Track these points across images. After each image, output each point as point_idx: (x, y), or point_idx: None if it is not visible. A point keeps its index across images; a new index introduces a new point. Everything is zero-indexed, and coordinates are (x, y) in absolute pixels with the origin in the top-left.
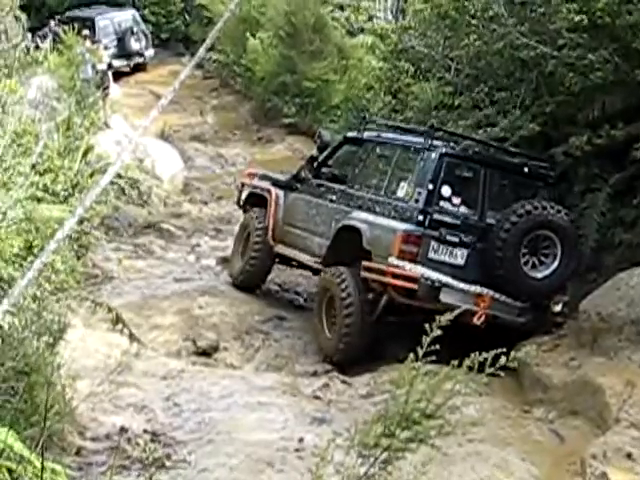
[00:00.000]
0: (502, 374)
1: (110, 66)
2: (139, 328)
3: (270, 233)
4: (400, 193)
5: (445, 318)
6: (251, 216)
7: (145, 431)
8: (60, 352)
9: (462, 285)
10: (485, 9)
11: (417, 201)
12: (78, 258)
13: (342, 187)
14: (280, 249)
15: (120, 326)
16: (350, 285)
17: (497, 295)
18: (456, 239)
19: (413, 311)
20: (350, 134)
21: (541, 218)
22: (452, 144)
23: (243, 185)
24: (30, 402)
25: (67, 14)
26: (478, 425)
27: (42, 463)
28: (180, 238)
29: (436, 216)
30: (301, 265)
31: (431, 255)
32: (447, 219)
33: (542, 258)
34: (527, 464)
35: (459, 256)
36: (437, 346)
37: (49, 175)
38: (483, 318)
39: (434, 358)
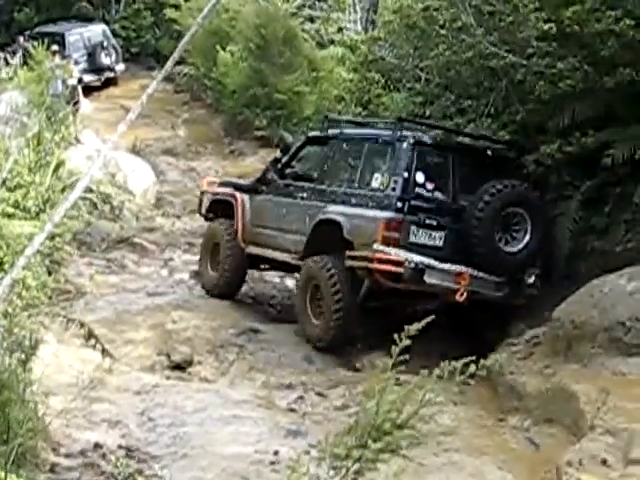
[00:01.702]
0: (475, 382)
1: (80, 81)
2: (112, 343)
3: (240, 236)
4: (375, 184)
5: (413, 328)
6: (218, 226)
7: (120, 446)
8: (33, 368)
9: (444, 265)
10: (454, 19)
11: (394, 189)
12: (50, 274)
13: (311, 185)
14: (252, 250)
15: (93, 341)
16: (336, 272)
17: (475, 272)
18: (434, 222)
19: (397, 295)
20: (312, 133)
21: (512, 196)
22: (419, 134)
23: (203, 193)
24: (2, 419)
25: (37, 30)
26: (453, 434)
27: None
28: (153, 252)
29: (413, 202)
30: (272, 265)
31: (412, 239)
32: (423, 204)
33: (514, 234)
34: (503, 472)
35: (437, 238)
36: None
37: (20, 191)
38: (465, 295)
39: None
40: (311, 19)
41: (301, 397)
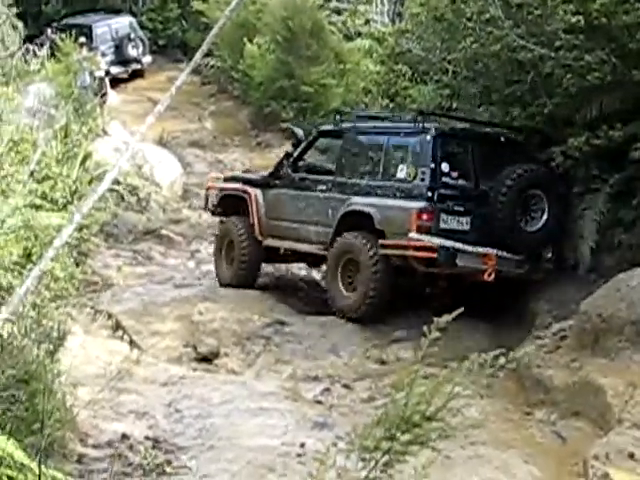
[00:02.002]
0: (502, 376)
1: (108, 73)
2: (139, 335)
3: (257, 229)
4: (401, 175)
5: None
6: (231, 223)
7: (146, 438)
8: (60, 359)
9: (473, 248)
10: (481, 12)
11: (423, 180)
12: (77, 265)
13: (330, 177)
14: (270, 242)
15: (120, 333)
16: (374, 249)
17: (500, 252)
18: (461, 208)
19: (430, 277)
20: (324, 127)
21: (531, 179)
22: (440, 125)
23: (208, 189)
24: (31, 410)
25: (64, 22)
26: (480, 428)
27: (40, 470)
28: (180, 244)
29: (442, 191)
30: (290, 257)
31: (442, 226)
32: (450, 192)
33: (532, 214)
34: (529, 466)
35: (464, 223)
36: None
37: (47, 183)
38: (493, 275)
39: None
40: (338, 11)
41: (327, 389)
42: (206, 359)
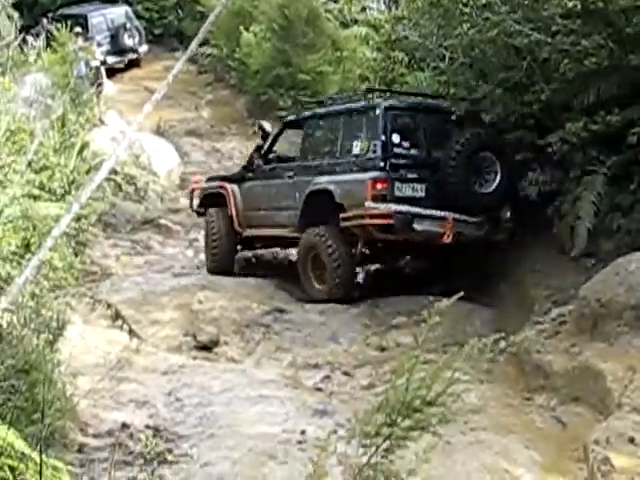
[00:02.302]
0: (501, 361)
1: (104, 62)
2: (139, 324)
3: (236, 222)
4: (356, 150)
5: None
6: (209, 215)
7: (147, 426)
8: (60, 349)
9: (429, 212)
10: None
11: (375, 152)
12: (76, 255)
13: (296, 163)
14: (249, 232)
15: (120, 322)
16: (332, 240)
17: (457, 215)
18: (415, 175)
19: (390, 249)
20: (289, 118)
21: (479, 142)
22: (389, 100)
23: (192, 191)
24: (31, 400)
25: (60, 12)
26: (480, 413)
27: (41, 459)
28: (178, 233)
29: (394, 160)
30: (269, 242)
31: (397, 194)
32: (402, 161)
33: (486, 176)
34: (530, 451)
35: (419, 190)
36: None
37: (45, 173)
38: (451, 237)
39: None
40: None
41: (327, 376)
42: (206, 347)
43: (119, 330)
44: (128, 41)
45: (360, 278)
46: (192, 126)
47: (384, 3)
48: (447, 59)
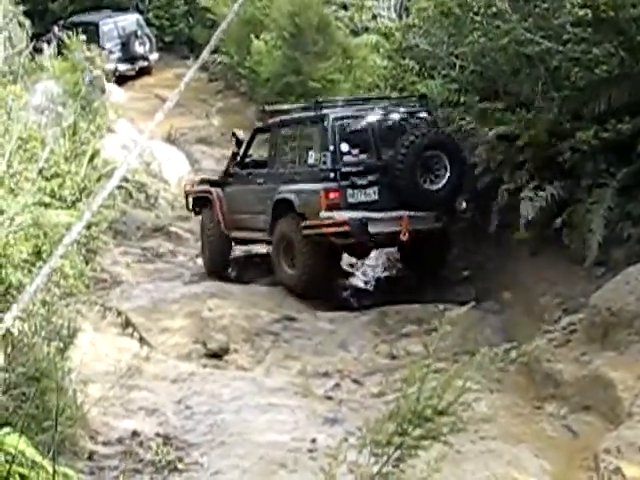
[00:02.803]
0: (511, 370)
1: (116, 70)
2: (149, 332)
3: (222, 224)
4: (311, 161)
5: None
6: (203, 216)
7: (157, 434)
8: (70, 357)
9: (382, 214)
10: (489, 5)
11: (325, 162)
12: (87, 263)
13: (265, 170)
14: (235, 234)
15: (130, 330)
16: (300, 234)
17: (412, 213)
18: (364, 181)
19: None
20: (258, 125)
21: (426, 142)
22: (338, 109)
23: (187, 194)
24: (41, 407)
25: (71, 19)
26: (490, 422)
27: (54, 468)
28: (188, 241)
29: (343, 169)
30: (256, 243)
31: (350, 200)
32: (353, 169)
33: (436, 173)
34: (540, 460)
35: (372, 193)
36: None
37: (56, 180)
38: (407, 234)
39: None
40: (344, 6)
41: (337, 385)
42: (216, 355)
43: (129, 338)
44: (139, 49)
45: (370, 285)
46: (203, 134)
47: (395, 11)
48: (458, 67)
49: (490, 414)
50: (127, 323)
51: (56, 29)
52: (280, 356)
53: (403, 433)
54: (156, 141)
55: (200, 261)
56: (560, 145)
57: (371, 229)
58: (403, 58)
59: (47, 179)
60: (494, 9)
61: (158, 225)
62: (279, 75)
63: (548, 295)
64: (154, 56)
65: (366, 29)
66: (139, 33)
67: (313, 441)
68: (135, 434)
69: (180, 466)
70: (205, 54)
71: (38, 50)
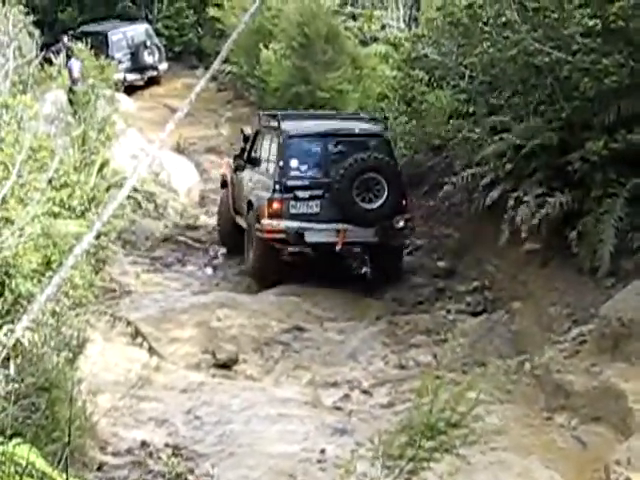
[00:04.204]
0: (520, 381)
1: (125, 80)
2: (158, 341)
3: (232, 208)
4: (270, 170)
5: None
6: (222, 194)
7: (166, 445)
8: (80, 367)
9: (320, 226)
10: (498, 16)
11: (274, 175)
12: (96, 272)
13: (254, 169)
14: (237, 219)
15: (139, 340)
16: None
17: (350, 227)
18: (306, 195)
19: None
20: (258, 127)
21: (364, 166)
22: (295, 125)
23: (223, 175)
24: (51, 418)
25: (80, 29)
26: (501, 433)
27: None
28: (197, 250)
29: (289, 183)
30: None
31: (292, 211)
32: (298, 183)
33: (376, 193)
34: (550, 472)
35: (314, 206)
36: None
37: (65, 190)
38: (341, 245)
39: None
40: (354, 17)
41: (347, 395)
42: (225, 365)
43: (139, 347)
44: (148, 59)
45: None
46: (212, 143)
47: (404, 21)
48: (467, 77)
49: (501, 425)
50: (136, 333)
51: (65, 39)
52: (289, 366)
53: (416, 445)
54: (165, 151)
55: (209, 270)
56: (570, 155)
57: (308, 238)
58: (412, 68)
59: (56, 189)
60: (503, 19)
61: (167, 235)
62: (288, 85)
63: (558, 305)
64: (163, 66)
65: (375, 39)
66: (148, 43)
67: (322, 452)
68: (144, 444)
69: (190, 478)
70: (216, 64)
71: (47, 60)
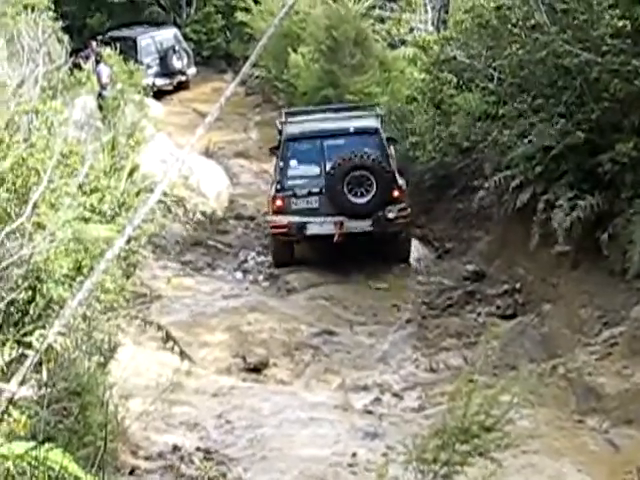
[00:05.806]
0: (552, 384)
1: (154, 85)
2: (189, 346)
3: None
4: (278, 168)
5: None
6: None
7: (198, 449)
8: (111, 371)
9: (319, 219)
10: (527, 18)
11: (277, 174)
12: (127, 277)
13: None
14: None
15: (170, 344)
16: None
17: (347, 219)
18: (305, 192)
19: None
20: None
21: (353, 163)
22: (297, 127)
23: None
24: (83, 422)
25: (109, 34)
26: (533, 436)
27: None
28: (227, 255)
29: (288, 182)
30: None
31: (294, 207)
32: (297, 181)
33: (366, 188)
34: (582, 475)
35: (313, 202)
36: None
37: (96, 195)
38: (338, 236)
39: None
40: (382, 20)
41: (377, 399)
42: (255, 369)
43: (170, 352)
44: (177, 63)
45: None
46: (241, 148)
47: (432, 24)
48: (496, 80)
49: (532, 428)
50: (167, 337)
51: (94, 44)
52: (320, 370)
53: (449, 449)
54: (195, 155)
55: (239, 274)
56: (599, 157)
57: (309, 231)
58: (441, 71)
59: (87, 194)
60: (532, 21)
61: (197, 239)
62: (316, 88)
63: (588, 307)
64: (192, 70)
65: (403, 42)
66: (177, 48)
67: (354, 455)
68: (176, 449)
69: None
70: (246, 68)
71: (77, 65)
